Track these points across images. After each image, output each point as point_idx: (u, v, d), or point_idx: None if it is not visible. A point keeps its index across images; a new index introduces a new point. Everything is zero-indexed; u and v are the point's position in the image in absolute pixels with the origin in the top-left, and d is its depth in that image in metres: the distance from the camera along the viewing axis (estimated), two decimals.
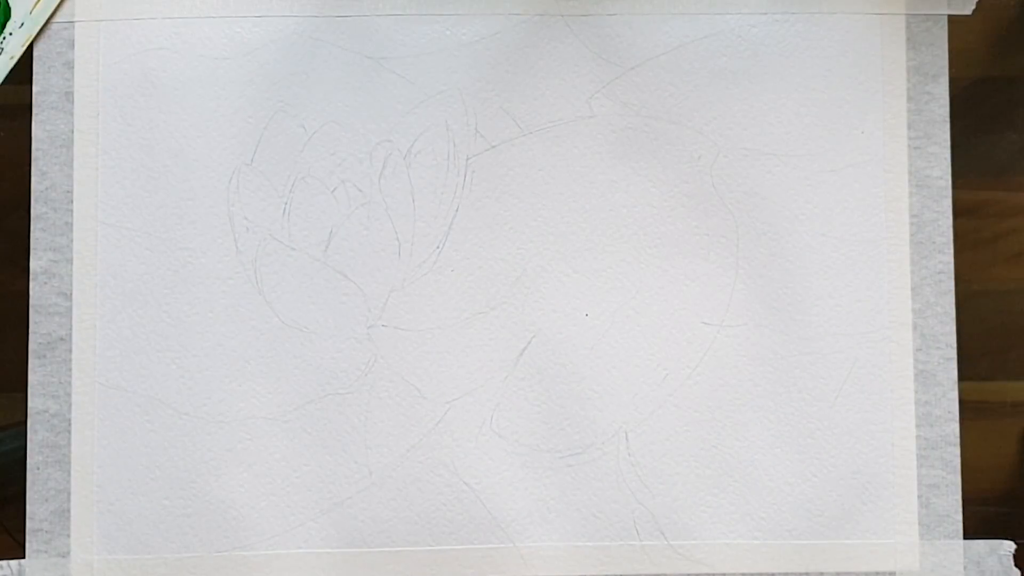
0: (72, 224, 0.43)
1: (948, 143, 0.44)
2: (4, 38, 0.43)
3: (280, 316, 0.43)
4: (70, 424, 0.42)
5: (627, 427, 0.43)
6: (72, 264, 0.43)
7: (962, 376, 0.43)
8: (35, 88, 0.43)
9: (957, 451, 0.43)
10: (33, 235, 0.43)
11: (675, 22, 0.44)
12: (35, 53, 0.43)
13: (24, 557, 0.42)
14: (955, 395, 0.43)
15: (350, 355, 0.43)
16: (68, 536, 0.42)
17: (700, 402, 0.43)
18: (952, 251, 0.43)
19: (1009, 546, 0.43)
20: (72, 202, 0.43)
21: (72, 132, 0.43)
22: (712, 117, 0.43)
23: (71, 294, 0.43)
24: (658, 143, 0.43)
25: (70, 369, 0.42)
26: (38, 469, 0.42)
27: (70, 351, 0.42)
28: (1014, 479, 0.44)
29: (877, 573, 0.43)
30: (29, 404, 0.42)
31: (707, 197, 0.43)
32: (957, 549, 0.43)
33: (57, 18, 0.43)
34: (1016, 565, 0.43)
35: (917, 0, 0.44)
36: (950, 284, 0.43)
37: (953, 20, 0.44)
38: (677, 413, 0.43)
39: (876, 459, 0.43)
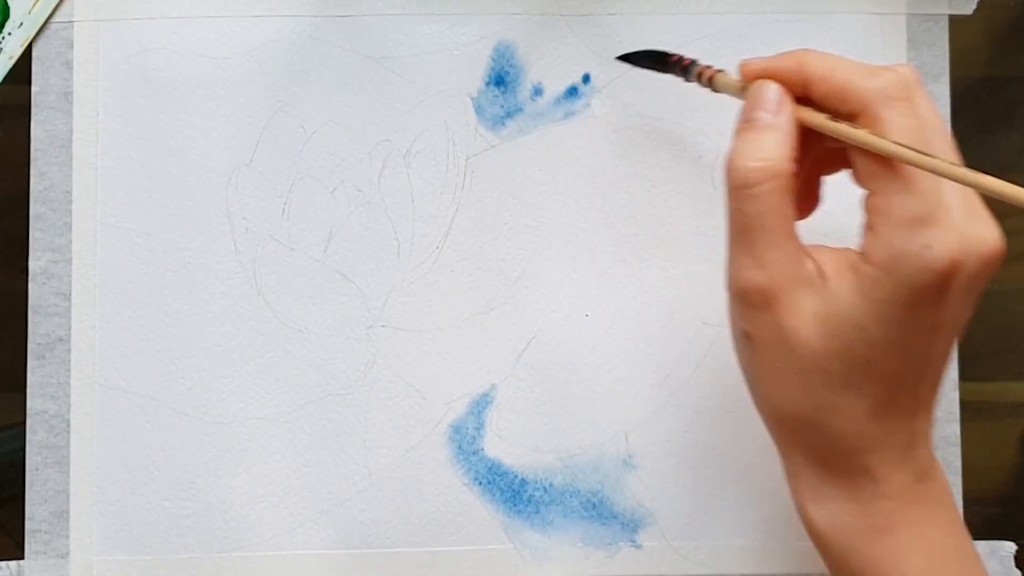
0: (71, 224, 0.43)
1: None
2: (3, 38, 0.43)
3: (279, 316, 0.43)
4: (69, 425, 0.42)
5: (627, 427, 0.43)
6: (71, 264, 0.43)
7: (962, 376, 0.43)
8: (34, 88, 0.43)
9: (958, 452, 0.43)
10: (32, 235, 0.43)
11: (675, 22, 0.44)
12: (34, 53, 0.43)
13: (23, 558, 0.42)
14: (955, 396, 0.43)
15: (350, 355, 0.43)
16: (67, 537, 0.42)
17: (701, 402, 0.43)
18: None
19: (1010, 547, 0.43)
20: (71, 202, 0.43)
21: (71, 132, 0.43)
22: (712, 117, 0.43)
23: (70, 294, 0.43)
24: (658, 143, 0.43)
25: (69, 370, 0.42)
26: (37, 470, 0.42)
27: (69, 351, 0.42)
28: (1015, 480, 0.44)
29: None
30: (28, 405, 0.42)
31: (707, 197, 0.43)
32: None
33: (56, 18, 0.43)
34: (1017, 566, 0.43)
35: (917, 0, 0.44)
36: None
37: (954, 20, 0.44)
38: (677, 413, 0.43)
39: None
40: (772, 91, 0.33)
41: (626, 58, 0.42)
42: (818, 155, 0.35)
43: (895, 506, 0.33)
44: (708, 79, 0.37)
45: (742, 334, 0.34)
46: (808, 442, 0.34)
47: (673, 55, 0.39)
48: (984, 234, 0.31)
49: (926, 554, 0.33)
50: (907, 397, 0.33)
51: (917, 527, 0.33)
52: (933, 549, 0.34)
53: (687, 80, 0.38)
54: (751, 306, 0.33)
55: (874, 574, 0.34)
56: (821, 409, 0.33)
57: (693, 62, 0.38)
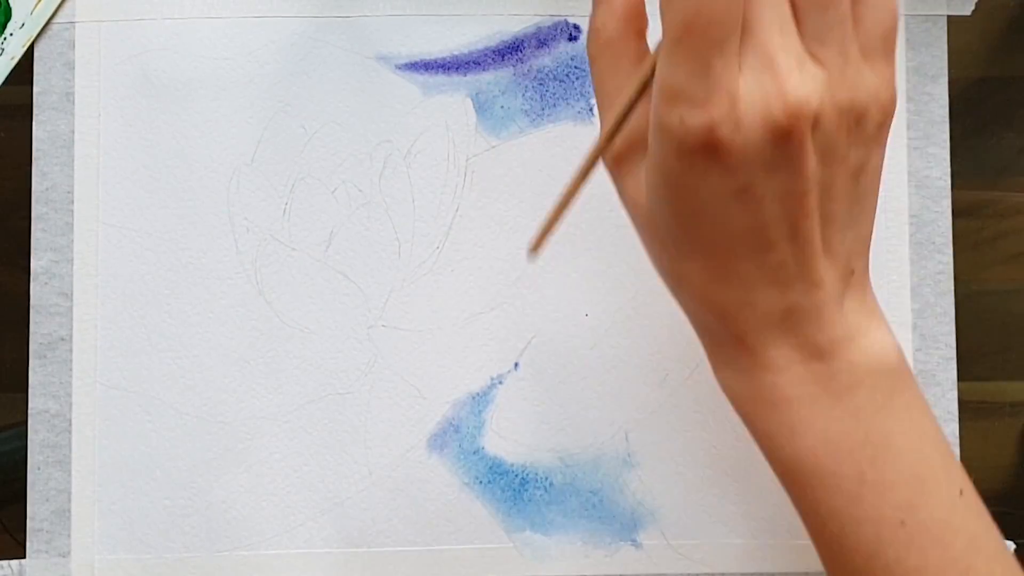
0: (73, 224, 0.43)
1: (948, 144, 0.44)
2: (5, 39, 0.43)
3: (280, 316, 0.43)
4: (71, 424, 0.42)
5: (627, 427, 0.43)
6: (73, 264, 0.43)
7: (961, 376, 0.43)
8: (36, 89, 0.43)
9: (957, 451, 0.43)
10: (34, 235, 0.43)
11: None
12: (36, 54, 0.43)
13: (25, 557, 0.42)
14: (955, 395, 0.43)
15: (350, 355, 0.43)
16: (69, 536, 0.42)
17: (700, 402, 0.43)
18: (952, 251, 0.43)
19: (1009, 546, 0.43)
20: (73, 202, 0.43)
21: (73, 133, 0.43)
22: None
23: (72, 294, 0.43)
24: None
25: (71, 369, 0.42)
26: (39, 469, 0.42)
27: (71, 351, 0.42)
28: (1014, 479, 0.44)
29: None
30: (30, 404, 0.42)
31: None
32: None
33: (58, 19, 0.43)
34: None
35: (916, 0, 0.44)
36: (950, 284, 0.43)
37: (952, 20, 0.44)
38: (677, 413, 0.43)
39: None
40: None
41: None
42: None
43: (781, 381, 0.32)
44: None
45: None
46: (685, 308, 0.34)
47: None
48: (755, 105, 0.29)
49: (823, 437, 0.32)
50: (747, 266, 0.31)
51: (813, 408, 0.32)
52: (831, 432, 0.32)
53: None
54: (612, 178, 0.34)
55: (770, 446, 0.33)
56: (672, 276, 0.33)
57: None
